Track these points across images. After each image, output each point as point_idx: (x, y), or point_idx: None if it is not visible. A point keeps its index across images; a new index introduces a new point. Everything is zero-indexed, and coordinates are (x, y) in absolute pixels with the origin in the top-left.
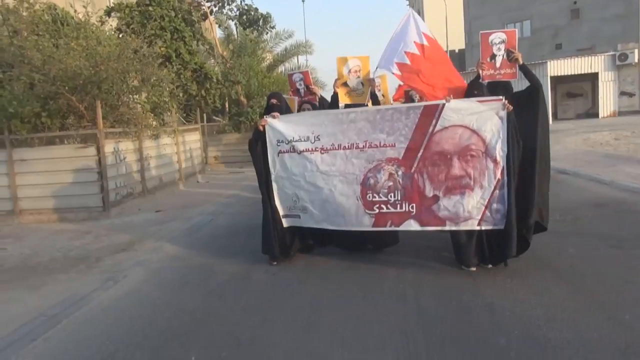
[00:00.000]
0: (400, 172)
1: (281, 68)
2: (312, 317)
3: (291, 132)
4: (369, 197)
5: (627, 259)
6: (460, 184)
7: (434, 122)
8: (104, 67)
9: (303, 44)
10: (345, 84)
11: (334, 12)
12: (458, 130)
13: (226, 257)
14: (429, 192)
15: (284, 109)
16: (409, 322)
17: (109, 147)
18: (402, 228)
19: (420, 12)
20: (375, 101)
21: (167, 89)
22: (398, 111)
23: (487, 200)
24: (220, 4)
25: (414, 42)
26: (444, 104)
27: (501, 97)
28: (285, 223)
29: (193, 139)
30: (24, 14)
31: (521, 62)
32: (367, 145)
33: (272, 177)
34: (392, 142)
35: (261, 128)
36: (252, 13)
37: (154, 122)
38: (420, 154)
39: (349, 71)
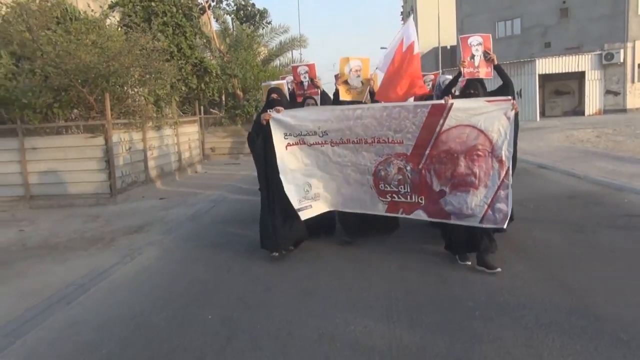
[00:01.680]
0: (408, 168)
1: (276, 62)
2: (309, 286)
3: (297, 126)
4: (382, 186)
5: (585, 241)
6: (465, 181)
7: (441, 121)
8: (115, 61)
9: (297, 39)
10: (345, 82)
11: (329, 6)
12: (465, 130)
13: (230, 238)
14: (437, 187)
15: (285, 104)
16: (393, 289)
17: (115, 137)
18: (412, 216)
19: (413, 9)
20: (374, 99)
21: (169, 82)
22: (405, 109)
23: (490, 199)
24: None
25: (395, 49)
26: (451, 104)
27: (509, 97)
28: (301, 216)
29: (192, 130)
30: (34, 8)
31: (496, 62)
32: (375, 141)
33: (280, 171)
34: (399, 139)
35: (264, 122)
36: (249, 9)
37: (155, 114)
38: (427, 151)
39: (350, 70)
